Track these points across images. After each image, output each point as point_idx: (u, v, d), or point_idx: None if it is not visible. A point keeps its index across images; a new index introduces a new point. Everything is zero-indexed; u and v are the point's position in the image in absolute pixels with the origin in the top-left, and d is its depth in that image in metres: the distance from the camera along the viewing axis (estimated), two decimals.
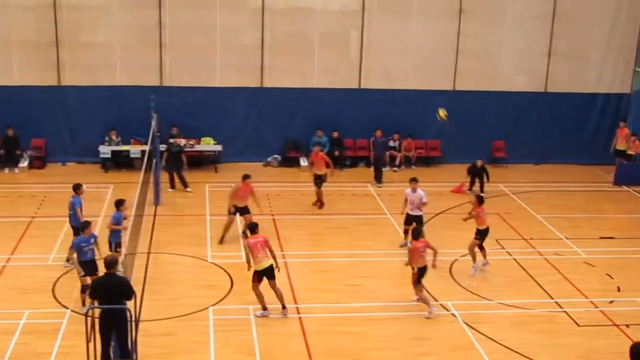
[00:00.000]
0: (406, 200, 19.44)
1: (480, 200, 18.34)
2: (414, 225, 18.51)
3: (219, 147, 26.77)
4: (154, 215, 21.68)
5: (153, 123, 22.17)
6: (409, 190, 19.35)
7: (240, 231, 19.75)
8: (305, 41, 27.28)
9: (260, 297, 15.79)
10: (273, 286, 15.82)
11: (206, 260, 18.77)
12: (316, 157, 23.00)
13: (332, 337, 15.31)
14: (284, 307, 15.94)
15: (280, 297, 15.91)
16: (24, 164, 26.08)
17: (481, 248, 18.45)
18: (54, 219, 20.84)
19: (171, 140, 24.17)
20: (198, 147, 26.52)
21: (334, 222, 21.64)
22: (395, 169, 26.94)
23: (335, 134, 27.09)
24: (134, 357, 11.75)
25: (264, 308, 15.89)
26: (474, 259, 18.30)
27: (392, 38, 27.54)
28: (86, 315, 11.40)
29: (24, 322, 15.48)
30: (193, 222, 21.28)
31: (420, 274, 16.10)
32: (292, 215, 22.17)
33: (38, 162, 26.32)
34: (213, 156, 26.84)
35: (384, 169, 26.02)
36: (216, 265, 18.50)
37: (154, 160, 21.85)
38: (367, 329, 15.66)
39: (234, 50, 27.10)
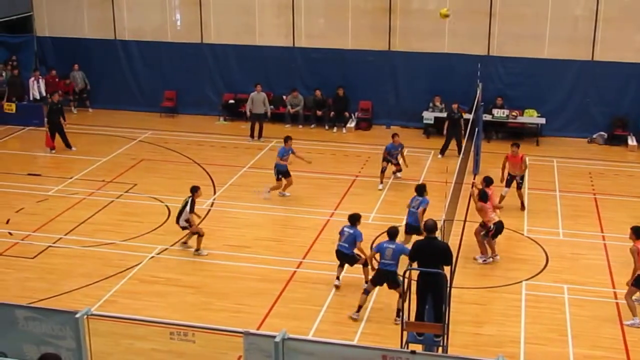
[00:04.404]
0: None
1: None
2: None
3: (542, 120, 26.15)
4: (472, 184, 21.74)
5: (478, 92, 22.18)
6: None
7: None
8: None
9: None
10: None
11: (522, 234, 18.57)
12: (514, 159, 20.08)
13: None
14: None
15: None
16: (351, 124, 27.42)
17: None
18: (376, 180, 21.69)
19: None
20: (520, 119, 26.15)
21: None
22: None
23: None
24: (446, 321, 11.99)
25: None
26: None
27: None
28: (404, 276, 11.82)
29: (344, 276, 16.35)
30: (511, 194, 21.05)
31: None
32: (615, 195, 21.17)
33: (364, 124, 27.51)
34: (535, 129, 26.30)
35: None
36: (532, 239, 18.24)
37: (476, 129, 21.87)
38: None
39: (564, 20, 26.24)
